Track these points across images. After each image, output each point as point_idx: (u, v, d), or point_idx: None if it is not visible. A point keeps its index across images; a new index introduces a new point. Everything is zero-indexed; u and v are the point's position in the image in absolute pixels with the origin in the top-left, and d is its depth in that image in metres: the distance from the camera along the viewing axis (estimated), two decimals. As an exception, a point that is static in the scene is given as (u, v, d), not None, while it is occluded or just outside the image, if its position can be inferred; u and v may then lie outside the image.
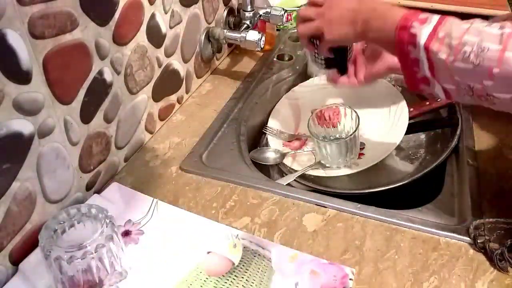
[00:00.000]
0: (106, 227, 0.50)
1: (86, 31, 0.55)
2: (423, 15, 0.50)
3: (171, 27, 0.75)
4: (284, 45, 1.06)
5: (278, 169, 0.80)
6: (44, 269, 0.51)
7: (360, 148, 0.77)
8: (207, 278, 0.52)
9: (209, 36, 0.88)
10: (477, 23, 0.47)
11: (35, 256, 0.53)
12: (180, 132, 0.78)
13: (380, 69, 0.70)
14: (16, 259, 0.53)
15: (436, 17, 0.50)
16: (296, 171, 0.75)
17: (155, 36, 0.71)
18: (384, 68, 0.70)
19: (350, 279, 0.51)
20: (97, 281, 0.50)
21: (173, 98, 0.81)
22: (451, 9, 1.29)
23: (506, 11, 1.00)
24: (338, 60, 0.70)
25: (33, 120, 0.51)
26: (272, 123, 0.86)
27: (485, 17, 0.71)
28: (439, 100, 0.80)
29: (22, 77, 0.48)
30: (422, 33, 0.49)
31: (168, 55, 0.76)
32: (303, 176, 0.74)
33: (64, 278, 0.48)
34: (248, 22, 0.92)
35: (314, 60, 0.71)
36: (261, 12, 0.93)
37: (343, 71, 0.72)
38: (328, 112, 0.87)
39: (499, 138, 0.73)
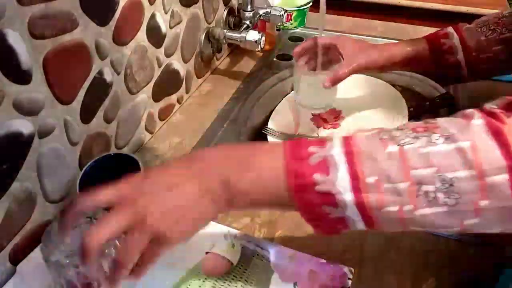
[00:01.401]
0: None
1: (86, 31, 0.55)
2: (314, 158, 0.35)
3: (171, 27, 0.75)
4: (284, 45, 1.06)
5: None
6: (42, 270, 0.51)
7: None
8: (206, 279, 0.52)
9: (209, 36, 0.88)
10: (401, 136, 0.35)
11: (34, 257, 0.53)
12: (180, 132, 0.78)
13: (345, 72, 0.68)
14: (16, 259, 0.53)
15: (338, 153, 0.35)
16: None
17: (155, 36, 0.71)
18: (351, 72, 0.68)
19: (349, 278, 0.51)
20: (96, 285, 0.50)
21: (173, 98, 0.81)
22: (451, 9, 1.29)
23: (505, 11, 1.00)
24: None
25: (33, 120, 0.51)
26: (272, 124, 0.86)
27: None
28: (438, 100, 0.80)
29: (22, 77, 0.48)
30: (340, 187, 0.34)
31: (168, 55, 0.76)
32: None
33: (62, 281, 0.48)
34: (248, 22, 0.92)
35: None
36: (261, 12, 0.93)
37: None
38: (328, 114, 0.87)
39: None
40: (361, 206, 0.34)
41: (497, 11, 0.70)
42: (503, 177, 0.31)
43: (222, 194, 0.38)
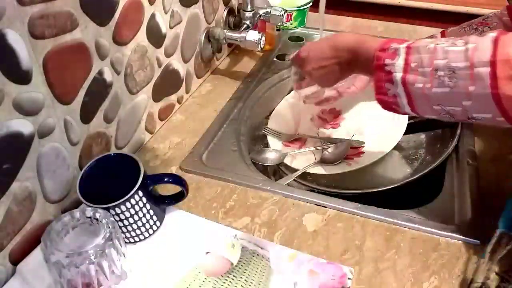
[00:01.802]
0: (109, 233, 0.50)
1: (86, 31, 0.55)
2: (392, 48, 0.50)
3: (171, 27, 0.75)
4: (284, 45, 1.06)
5: (278, 169, 0.80)
6: (43, 270, 0.51)
7: (360, 147, 0.78)
8: (205, 279, 0.52)
9: (209, 36, 0.88)
10: (440, 42, 0.47)
11: (34, 257, 0.53)
12: (180, 132, 0.78)
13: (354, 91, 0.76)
14: (16, 259, 0.53)
15: (403, 47, 0.49)
16: (296, 170, 0.75)
17: (155, 36, 0.71)
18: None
19: (349, 278, 0.51)
20: (96, 285, 0.50)
21: (173, 98, 0.81)
22: (451, 9, 1.29)
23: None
24: None
25: (33, 120, 0.51)
26: (272, 124, 0.86)
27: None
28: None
29: (22, 77, 0.48)
30: (396, 68, 0.48)
31: (168, 55, 0.76)
32: (303, 176, 0.74)
33: (63, 281, 0.48)
34: (248, 22, 0.92)
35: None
36: (261, 12, 0.93)
37: None
38: (328, 113, 0.88)
39: (499, 138, 0.73)
40: (403, 82, 0.48)
41: (497, 11, 0.71)
42: (485, 69, 0.41)
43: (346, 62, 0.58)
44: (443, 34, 0.74)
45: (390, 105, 0.52)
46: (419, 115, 0.51)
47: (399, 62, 0.48)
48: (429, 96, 0.46)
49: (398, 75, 0.48)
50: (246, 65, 0.98)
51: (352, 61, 0.57)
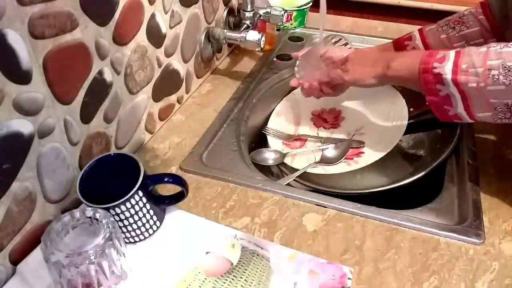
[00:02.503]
0: (109, 233, 0.50)
1: (86, 31, 0.55)
2: (440, 55, 0.54)
3: (171, 27, 0.75)
4: (284, 45, 1.06)
5: (278, 169, 0.80)
6: (43, 270, 0.51)
7: (360, 147, 0.78)
8: (205, 279, 0.52)
9: (209, 36, 0.88)
10: (494, 45, 0.51)
11: (34, 257, 0.53)
12: (180, 132, 0.78)
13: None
14: (16, 259, 0.53)
15: (452, 53, 0.53)
16: (296, 170, 0.75)
17: (155, 36, 0.71)
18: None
19: (349, 278, 0.51)
20: (96, 285, 0.50)
21: (173, 98, 0.81)
22: (451, 9, 1.29)
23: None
24: None
25: (33, 120, 0.51)
26: (272, 124, 0.86)
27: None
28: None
29: (22, 77, 0.48)
30: (446, 70, 0.53)
31: (168, 55, 0.76)
32: (303, 176, 0.74)
33: (62, 281, 0.48)
34: (248, 22, 0.92)
35: None
36: (261, 12, 0.93)
37: None
38: (328, 113, 0.88)
39: (499, 138, 0.73)
40: (455, 82, 0.52)
41: (472, 8, 0.71)
42: None
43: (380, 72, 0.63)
44: (420, 31, 0.75)
45: (441, 106, 0.56)
46: (472, 116, 0.54)
47: (449, 64, 0.52)
48: (484, 93, 0.51)
49: (448, 76, 0.52)
50: (246, 65, 0.98)
51: (392, 61, 0.61)
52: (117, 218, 0.53)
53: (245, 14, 0.91)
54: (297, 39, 1.08)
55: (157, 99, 0.76)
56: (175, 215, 0.61)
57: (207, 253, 0.55)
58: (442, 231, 0.57)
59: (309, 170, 0.75)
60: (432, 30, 0.74)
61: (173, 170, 0.69)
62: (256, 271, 0.53)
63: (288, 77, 0.95)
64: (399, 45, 0.77)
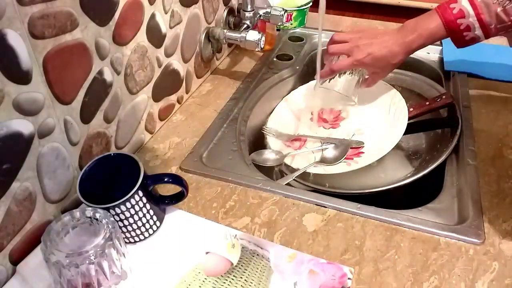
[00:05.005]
0: (109, 232, 0.50)
1: (86, 31, 0.55)
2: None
3: (171, 27, 0.75)
4: (284, 45, 1.06)
5: (278, 169, 0.80)
6: (42, 270, 0.51)
7: (360, 147, 0.78)
8: (205, 279, 0.52)
9: (209, 36, 0.88)
10: None
11: (34, 257, 0.53)
12: (180, 132, 0.78)
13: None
14: (16, 259, 0.53)
15: None
16: (296, 170, 0.75)
17: (155, 36, 0.71)
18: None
19: (349, 278, 0.51)
20: (96, 285, 0.50)
21: (173, 98, 0.81)
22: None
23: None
24: None
25: (33, 120, 0.51)
26: (272, 124, 0.86)
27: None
28: (438, 100, 0.80)
29: (22, 77, 0.48)
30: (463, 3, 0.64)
31: (168, 55, 0.76)
32: (303, 176, 0.74)
33: (62, 281, 0.48)
34: (248, 22, 0.92)
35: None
36: (261, 12, 0.93)
37: None
38: (328, 113, 0.88)
39: (499, 138, 0.73)
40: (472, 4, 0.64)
41: None
42: None
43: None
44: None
45: (462, 32, 0.66)
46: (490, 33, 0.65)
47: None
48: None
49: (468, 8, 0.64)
50: (246, 65, 0.98)
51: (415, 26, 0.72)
52: (117, 218, 0.53)
53: (245, 14, 0.91)
54: (297, 39, 1.08)
55: (157, 99, 0.76)
56: (175, 215, 0.61)
57: (207, 253, 0.55)
58: (442, 231, 0.57)
59: (309, 170, 0.75)
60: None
61: (173, 170, 0.69)
62: (256, 271, 0.53)
63: (288, 77, 0.96)
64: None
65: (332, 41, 0.77)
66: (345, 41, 0.74)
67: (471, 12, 0.65)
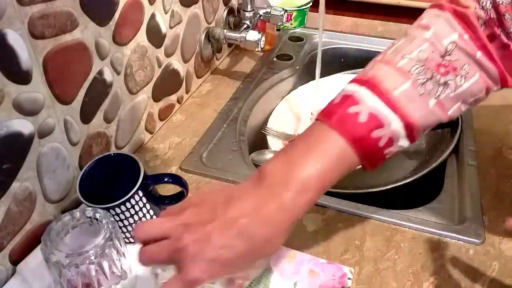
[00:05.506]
0: (109, 232, 0.49)
1: (86, 31, 0.55)
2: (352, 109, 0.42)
3: (171, 27, 0.75)
4: (284, 45, 1.06)
5: (278, 169, 0.80)
6: (42, 270, 0.51)
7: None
8: (206, 278, 0.52)
9: (209, 36, 0.88)
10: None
11: (34, 257, 0.53)
12: (180, 132, 0.78)
13: None
14: (16, 259, 0.53)
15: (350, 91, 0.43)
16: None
17: (155, 36, 0.71)
18: None
19: (349, 278, 0.51)
20: (96, 285, 0.50)
21: (173, 98, 0.81)
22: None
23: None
24: None
25: (33, 120, 0.51)
26: (272, 124, 0.86)
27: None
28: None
29: (22, 77, 0.48)
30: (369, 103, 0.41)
31: (168, 55, 0.76)
32: (303, 176, 0.74)
33: (62, 281, 0.48)
34: (248, 22, 0.92)
35: None
36: (261, 12, 0.93)
37: None
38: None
39: (499, 138, 0.73)
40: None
41: None
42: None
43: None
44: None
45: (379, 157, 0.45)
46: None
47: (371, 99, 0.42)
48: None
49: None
50: (246, 65, 0.98)
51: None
52: (117, 218, 0.53)
53: (245, 14, 0.91)
54: (297, 39, 1.08)
55: (157, 99, 0.76)
56: (175, 215, 0.60)
57: (207, 253, 0.55)
58: (442, 231, 0.57)
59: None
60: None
61: (173, 170, 0.69)
62: (256, 271, 0.53)
63: (288, 77, 0.96)
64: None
65: (141, 231, 0.41)
66: (164, 233, 0.39)
67: (391, 115, 0.41)
